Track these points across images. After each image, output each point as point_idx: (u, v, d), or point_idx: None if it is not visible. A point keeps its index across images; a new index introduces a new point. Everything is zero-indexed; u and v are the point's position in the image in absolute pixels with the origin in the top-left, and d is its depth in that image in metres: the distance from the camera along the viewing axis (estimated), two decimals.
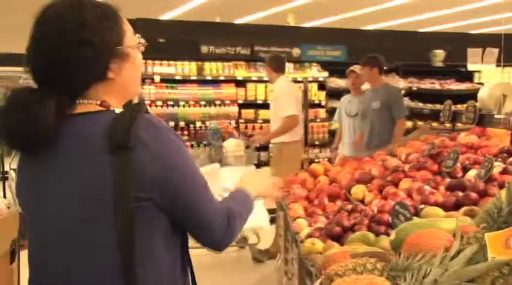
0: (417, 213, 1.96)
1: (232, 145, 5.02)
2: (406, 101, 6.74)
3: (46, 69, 1.11)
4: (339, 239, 2.01)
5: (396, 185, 2.52)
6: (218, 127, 5.60)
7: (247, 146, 5.03)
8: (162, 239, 1.14)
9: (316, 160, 5.77)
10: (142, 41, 1.22)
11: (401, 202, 1.93)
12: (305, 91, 5.75)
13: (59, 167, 1.10)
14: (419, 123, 6.50)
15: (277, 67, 4.83)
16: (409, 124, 6.70)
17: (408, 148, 3.09)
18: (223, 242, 1.22)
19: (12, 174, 4.91)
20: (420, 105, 6.85)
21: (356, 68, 4.91)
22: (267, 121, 6.74)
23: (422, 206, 2.02)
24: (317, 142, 6.51)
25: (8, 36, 10.84)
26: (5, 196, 3.22)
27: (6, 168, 4.24)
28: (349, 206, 2.36)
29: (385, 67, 6.93)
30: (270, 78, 4.95)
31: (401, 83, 6.78)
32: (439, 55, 7.00)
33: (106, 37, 1.12)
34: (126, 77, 1.17)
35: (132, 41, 1.19)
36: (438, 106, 6.69)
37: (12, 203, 2.97)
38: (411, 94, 6.87)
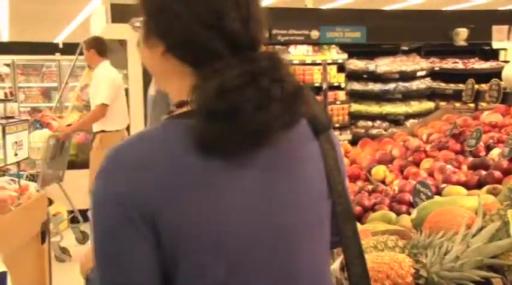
0: (439, 192, 1.95)
1: (37, 136, 4.50)
2: (428, 81, 6.64)
3: (255, 28, 0.84)
4: (359, 218, 2.01)
5: (417, 165, 2.50)
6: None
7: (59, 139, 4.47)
8: None
9: None
10: None
11: (422, 181, 1.92)
12: (324, 74, 5.71)
13: (284, 163, 0.86)
14: (442, 103, 6.39)
15: (102, 51, 4.61)
16: (431, 104, 6.60)
17: (429, 128, 3.05)
18: None
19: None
20: (442, 85, 6.72)
21: None
22: None
23: (444, 185, 2.00)
24: (337, 125, 6.47)
25: (26, 25, 11.00)
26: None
27: None
28: (370, 187, 2.36)
29: (405, 48, 6.87)
30: (91, 62, 4.65)
31: (423, 63, 6.66)
32: (461, 34, 6.84)
33: None
34: None
35: None
36: (461, 86, 6.53)
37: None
38: (433, 74, 6.75)
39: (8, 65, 9.25)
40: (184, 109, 0.83)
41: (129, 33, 0.97)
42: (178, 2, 0.81)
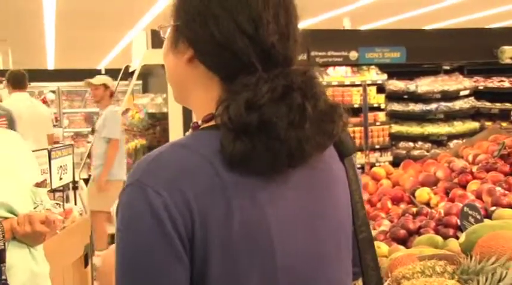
0: (488, 215, 1.87)
1: None
2: (472, 101, 6.45)
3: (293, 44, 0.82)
4: (404, 242, 1.94)
5: (464, 187, 2.41)
6: None
7: None
8: None
9: (377, 164, 5.63)
10: None
11: (471, 204, 1.84)
12: (364, 95, 5.64)
13: (316, 182, 0.84)
14: (487, 123, 6.19)
15: (14, 83, 4.60)
16: (476, 124, 6.41)
17: (475, 149, 2.94)
18: None
19: (82, 183, 5.13)
20: (487, 104, 6.52)
21: (94, 80, 4.76)
22: None
23: (494, 208, 1.92)
24: (377, 146, 6.35)
25: (71, 53, 11.46)
26: (75, 204, 3.39)
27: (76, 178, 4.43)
28: (414, 209, 2.29)
29: (447, 67, 6.71)
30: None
31: (466, 83, 6.50)
32: (508, 52, 6.64)
33: None
34: None
35: None
36: (508, 105, 6.32)
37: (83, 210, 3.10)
38: (477, 93, 6.57)
39: (53, 92, 9.63)
40: (211, 123, 0.79)
41: None
42: (218, 7, 0.78)
